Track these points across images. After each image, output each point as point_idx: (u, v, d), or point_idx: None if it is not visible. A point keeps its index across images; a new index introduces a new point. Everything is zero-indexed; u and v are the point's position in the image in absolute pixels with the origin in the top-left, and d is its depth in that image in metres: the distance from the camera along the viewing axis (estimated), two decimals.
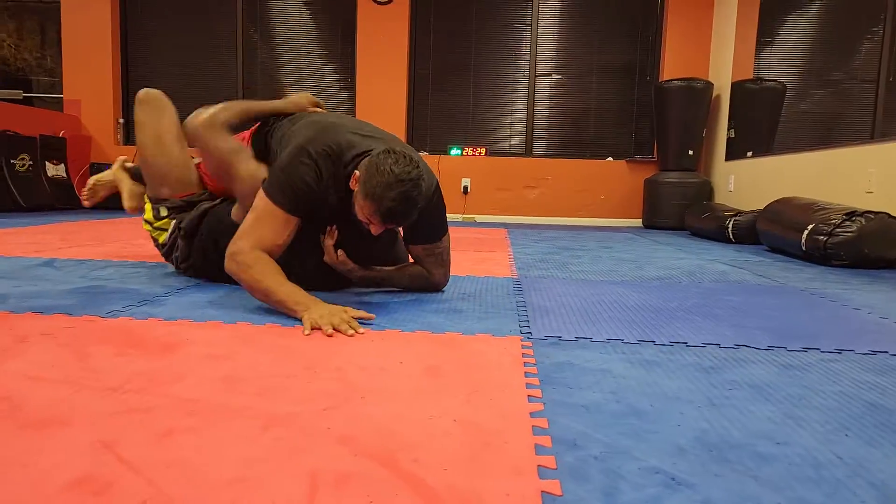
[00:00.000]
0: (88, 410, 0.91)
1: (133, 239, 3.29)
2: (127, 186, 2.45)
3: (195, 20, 6.27)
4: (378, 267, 1.91)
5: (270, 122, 1.97)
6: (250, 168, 1.80)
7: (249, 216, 1.65)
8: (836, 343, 1.46)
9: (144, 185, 2.27)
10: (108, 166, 5.92)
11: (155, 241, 2.15)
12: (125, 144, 6.27)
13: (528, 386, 1.09)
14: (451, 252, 2.07)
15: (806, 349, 1.40)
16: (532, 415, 0.95)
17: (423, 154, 5.61)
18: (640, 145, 6.14)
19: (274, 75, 6.31)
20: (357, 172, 1.60)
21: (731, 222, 4.15)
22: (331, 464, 0.77)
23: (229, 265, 1.61)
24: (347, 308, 1.52)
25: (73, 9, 6.13)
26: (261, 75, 6.30)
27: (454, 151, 6.16)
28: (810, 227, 3.08)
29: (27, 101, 6.37)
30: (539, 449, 0.83)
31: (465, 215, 6.11)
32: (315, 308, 1.49)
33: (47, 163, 5.43)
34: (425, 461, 0.78)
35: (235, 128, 1.92)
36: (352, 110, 6.20)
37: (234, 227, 1.70)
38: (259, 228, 1.62)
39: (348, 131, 1.73)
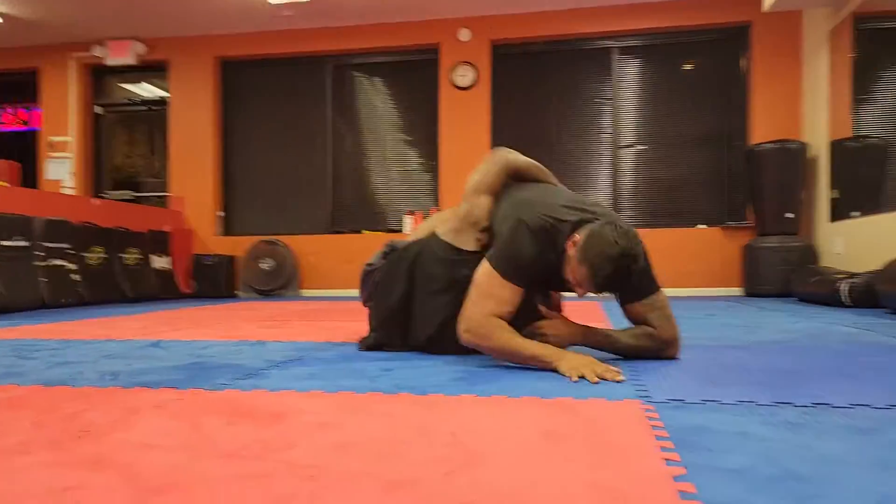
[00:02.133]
0: (207, 476, 0.89)
1: (233, 321, 3.40)
2: None
3: (287, 117, 6.69)
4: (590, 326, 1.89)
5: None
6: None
7: (475, 290, 1.77)
8: None
9: None
10: (209, 257, 6.33)
11: None
12: (224, 235, 6.63)
13: (663, 449, 0.98)
14: None
15: None
16: (675, 479, 0.85)
17: None
18: (733, 211, 5.90)
19: (360, 163, 6.59)
20: (577, 236, 1.69)
21: (846, 285, 3.84)
22: None
23: (467, 338, 1.76)
24: (592, 358, 1.63)
25: (179, 114, 6.72)
26: (348, 164, 6.60)
27: None
28: None
29: (135, 201, 6.91)
30: None
31: None
32: (567, 358, 1.63)
33: (153, 255, 5.80)
34: None
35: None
36: (434, 191, 6.35)
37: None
38: (489, 300, 1.75)
39: (560, 205, 1.81)
